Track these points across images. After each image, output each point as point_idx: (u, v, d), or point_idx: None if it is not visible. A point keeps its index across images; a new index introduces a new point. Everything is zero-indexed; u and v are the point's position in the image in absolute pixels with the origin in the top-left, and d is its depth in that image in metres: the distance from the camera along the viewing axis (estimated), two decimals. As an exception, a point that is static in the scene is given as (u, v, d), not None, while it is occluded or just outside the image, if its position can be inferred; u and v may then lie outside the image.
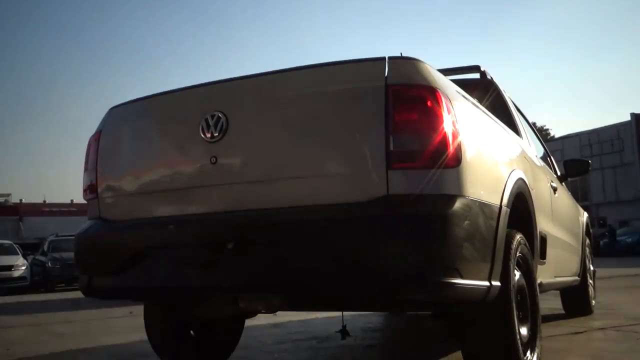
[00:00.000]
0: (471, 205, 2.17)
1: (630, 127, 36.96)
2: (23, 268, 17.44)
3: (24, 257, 18.75)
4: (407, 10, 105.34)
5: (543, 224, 3.37)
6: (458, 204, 2.09)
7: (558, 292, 5.20)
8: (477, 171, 2.29)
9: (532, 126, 4.72)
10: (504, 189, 2.53)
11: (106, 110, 2.93)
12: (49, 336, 5.46)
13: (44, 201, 44.14)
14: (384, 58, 2.24)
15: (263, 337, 4.61)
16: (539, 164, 3.83)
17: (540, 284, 3.15)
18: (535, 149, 4.10)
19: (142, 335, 3.45)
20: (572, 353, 3.43)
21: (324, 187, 2.21)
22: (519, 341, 2.45)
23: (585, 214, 5.73)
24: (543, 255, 3.32)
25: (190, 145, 2.51)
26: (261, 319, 5.01)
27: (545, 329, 3.58)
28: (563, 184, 4.84)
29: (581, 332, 4.22)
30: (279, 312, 3.22)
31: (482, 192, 2.27)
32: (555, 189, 4.11)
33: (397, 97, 2.15)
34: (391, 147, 2.11)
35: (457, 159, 2.14)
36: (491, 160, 2.57)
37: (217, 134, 2.39)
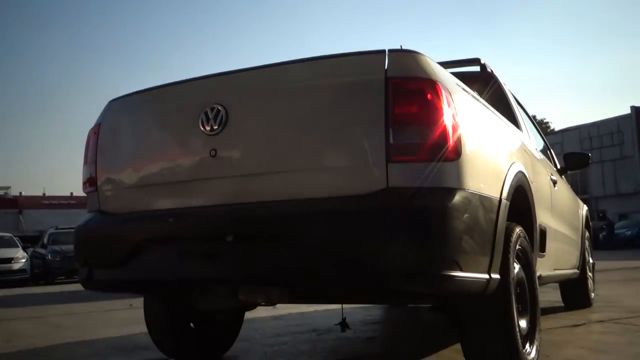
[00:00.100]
0: (471, 199, 2.17)
1: (631, 120, 36.90)
2: (23, 261, 17.46)
3: (24, 249, 18.76)
4: (407, 2, 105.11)
5: (543, 217, 3.37)
6: (458, 197, 2.10)
7: (557, 284, 5.21)
8: (477, 164, 2.29)
9: (532, 119, 4.72)
10: (503, 182, 2.54)
11: (106, 102, 2.93)
12: (49, 328, 5.48)
13: (44, 194, 44.17)
14: (384, 51, 2.24)
15: (263, 329, 4.62)
16: (538, 157, 3.83)
17: (540, 277, 3.16)
18: (535, 142, 4.09)
19: (142, 327, 3.46)
20: (571, 345, 3.44)
21: (324, 180, 2.21)
22: (518, 334, 2.46)
23: (585, 207, 5.74)
24: (542, 248, 3.33)
25: (190, 138, 2.50)
26: (261, 312, 5.03)
27: (545, 322, 3.59)
28: (563, 177, 4.84)
29: (580, 325, 4.23)
30: (278, 305, 3.22)
31: (481, 185, 2.27)
32: (555, 182, 4.12)
33: (397, 90, 2.14)
34: (391, 140, 2.11)
35: (457, 152, 2.14)
36: (491, 153, 2.57)
37: (216, 127, 2.39)
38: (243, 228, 2.30)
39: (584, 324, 4.29)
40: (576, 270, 4.83)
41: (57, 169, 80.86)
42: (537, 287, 2.91)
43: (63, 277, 17.23)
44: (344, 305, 4.05)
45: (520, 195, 2.79)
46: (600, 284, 6.73)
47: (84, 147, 2.90)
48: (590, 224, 5.88)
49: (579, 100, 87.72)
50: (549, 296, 5.81)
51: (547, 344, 3.27)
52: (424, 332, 4.59)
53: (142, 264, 2.51)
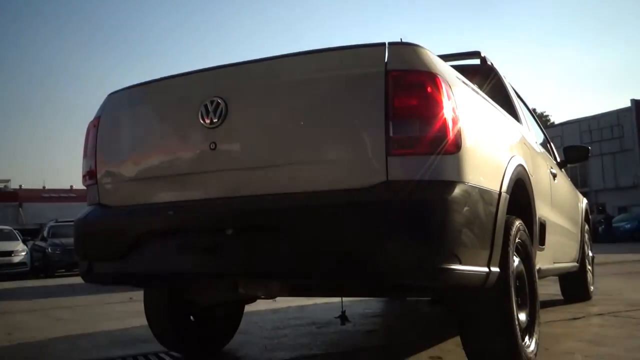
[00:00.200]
0: (471, 192, 2.17)
1: (630, 113, 36.87)
2: (23, 254, 17.46)
3: (24, 242, 18.76)
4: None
5: (542, 210, 3.37)
6: (457, 190, 2.09)
7: (557, 278, 5.22)
8: (476, 157, 2.28)
9: (532, 112, 4.71)
10: (503, 175, 2.53)
11: (105, 95, 2.92)
12: (49, 321, 5.49)
13: (44, 187, 44.20)
14: (384, 44, 2.23)
15: (262, 322, 4.63)
16: (538, 150, 3.82)
17: (539, 270, 3.16)
18: (535, 135, 4.09)
19: (142, 320, 3.47)
20: (570, 338, 3.44)
21: (324, 173, 2.21)
22: (517, 327, 2.46)
23: (585, 200, 5.74)
24: (542, 242, 3.33)
25: (189, 131, 2.50)
26: (260, 305, 5.03)
27: (544, 315, 3.60)
28: (562, 170, 4.84)
29: (579, 318, 4.23)
30: (278, 298, 3.23)
31: (481, 179, 2.27)
32: (554, 175, 4.11)
33: (397, 83, 2.14)
34: (391, 133, 2.10)
35: (457, 145, 2.14)
36: (491, 146, 2.57)
37: (216, 120, 2.38)
38: (243, 221, 2.30)
39: (583, 317, 4.30)
40: (575, 264, 4.83)
41: (57, 162, 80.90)
42: (537, 280, 2.91)
43: (63, 270, 17.23)
44: (344, 299, 4.05)
45: (520, 189, 2.79)
46: (600, 277, 6.74)
47: (83, 140, 2.90)
48: (590, 217, 5.88)
49: (579, 93, 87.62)
50: (549, 289, 5.82)
51: (547, 336, 3.28)
52: (423, 325, 4.59)
53: (142, 257, 2.51)
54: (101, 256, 2.69)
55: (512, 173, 2.62)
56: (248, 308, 3.86)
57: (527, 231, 2.80)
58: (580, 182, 32.54)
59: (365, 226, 2.06)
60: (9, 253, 17.08)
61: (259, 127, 2.37)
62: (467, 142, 2.20)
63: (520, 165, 2.80)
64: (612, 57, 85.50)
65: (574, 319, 4.21)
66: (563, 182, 4.67)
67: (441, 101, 2.12)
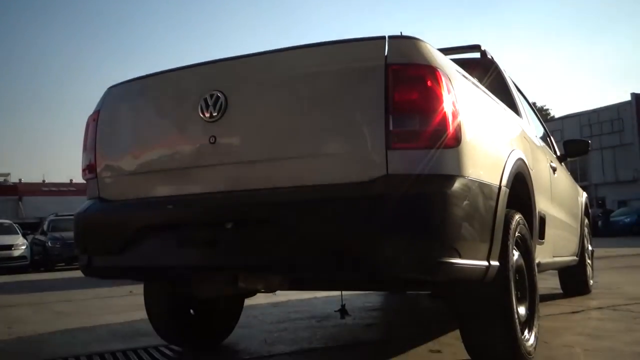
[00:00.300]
0: (470, 186, 2.17)
1: (630, 107, 36.83)
2: (23, 247, 17.47)
3: (24, 236, 18.78)
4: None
5: (542, 204, 3.37)
6: (457, 184, 2.09)
7: (556, 271, 5.23)
8: (476, 151, 2.28)
9: (532, 106, 4.71)
10: (503, 169, 2.53)
11: (105, 89, 2.92)
12: (50, 315, 5.50)
13: (43, 181, 44.25)
14: (384, 37, 2.22)
15: (262, 316, 4.63)
16: (538, 144, 3.82)
17: (539, 264, 3.17)
18: (535, 129, 4.09)
19: (142, 314, 3.47)
20: (569, 332, 3.45)
21: (323, 167, 2.21)
22: (517, 320, 2.47)
23: (585, 194, 5.74)
24: (542, 235, 3.33)
25: (189, 125, 2.50)
26: (260, 299, 5.04)
27: (543, 308, 3.61)
28: (562, 164, 4.84)
29: (579, 312, 4.24)
30: (278, 292, 3.23)
31: (481, 172, 2.27)
32: (554, 169, 4.11)
33: (397, 77, 2.13)
34: (391, 127, 2.10)
35: (457, 139, 2.14)
36: (491, 140, 2.56)
37: (216, 114, 2.38)
38: (242, 215, 2.30)
39: (583, 310, 4.31)
40: (575, 258, 4.84)
41: (57, 156, 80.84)
42: (536, 274, 2.92)
43: (63, 264, 17.24)
44: (344, 292, 4.06)
45: (520, 183, 2.79)
46: (599, 271, 6.75)
47: (83, 134, 2.90)
48: (590, 211, 5.88)
49: (580, 86, 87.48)
50: (548, 283, 5.83)
51: (546, 330, 3.28)
52: (423, 319, 4.60)
53: (142, 251, 2.51)
54: (101, 250, 2.70)
55: (512, 167, 2.62)
56: (248, 302, 3.87)
57: (526, 225, 2.80)
58: (580, 176, 32.54)
59: (365, 220, 2.06)
60: (9, 247, 17.10)
61: (259, 121, 2.37)
62: (467, 136, 2.19)
63: (520, 159, 2.80)
64: (613, 50, 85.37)
65: (574, 312, 4.21)
66: (563, 176, 4.67)
67: (441, 95, 2.12)
